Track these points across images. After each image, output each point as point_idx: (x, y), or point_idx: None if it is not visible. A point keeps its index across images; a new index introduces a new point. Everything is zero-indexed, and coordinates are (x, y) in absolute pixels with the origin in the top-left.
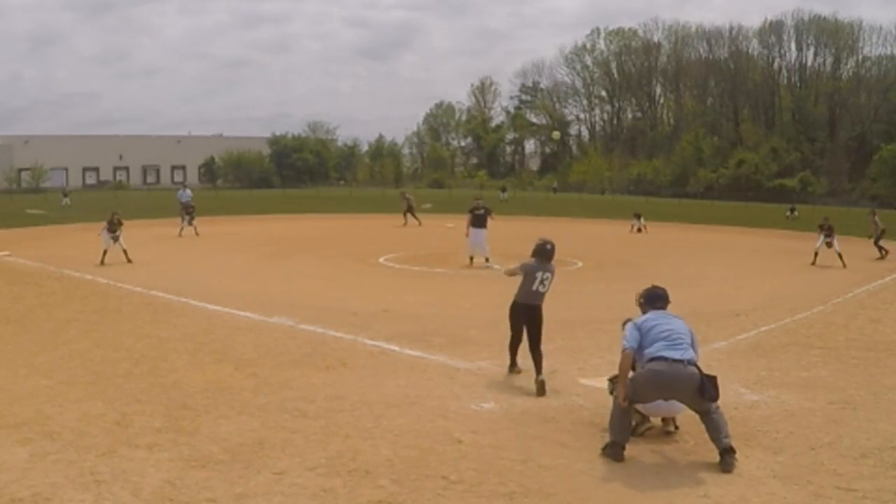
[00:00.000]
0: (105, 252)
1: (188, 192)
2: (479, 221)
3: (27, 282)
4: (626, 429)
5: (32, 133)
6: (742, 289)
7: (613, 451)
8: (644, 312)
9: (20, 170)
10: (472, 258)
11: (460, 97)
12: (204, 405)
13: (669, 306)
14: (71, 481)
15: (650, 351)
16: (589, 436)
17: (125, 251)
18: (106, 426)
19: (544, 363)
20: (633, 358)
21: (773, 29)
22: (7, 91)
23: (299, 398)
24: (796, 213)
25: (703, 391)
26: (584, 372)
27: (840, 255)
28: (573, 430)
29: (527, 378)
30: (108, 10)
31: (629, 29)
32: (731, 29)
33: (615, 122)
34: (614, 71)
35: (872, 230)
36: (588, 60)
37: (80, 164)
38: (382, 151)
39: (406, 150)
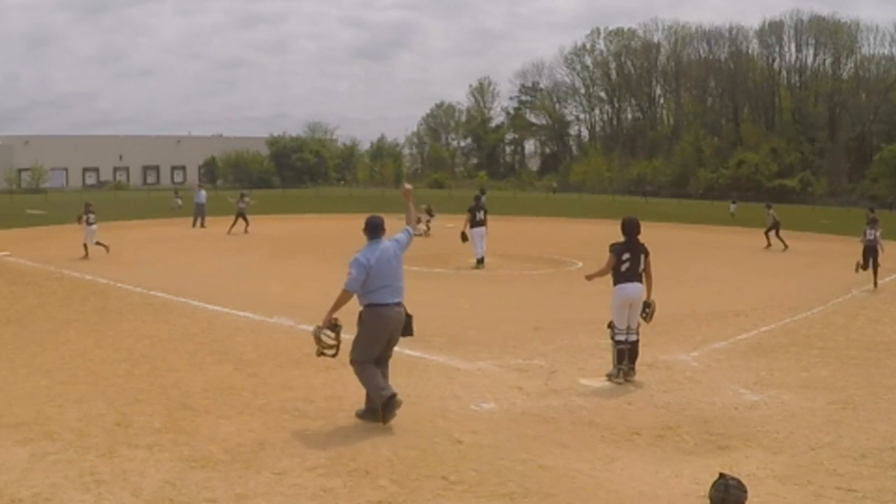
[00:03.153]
0: (86, 246)
1: (203, 193)
2: (479, 221)
3: (27, 282)
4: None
5: (31, 133)
6: (742, 289)
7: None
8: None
9: (20, 170)
10: (480, 258)
11: (459, 97)
12: (204, 405)
13: (670, 306)
14: (71, 481)
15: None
16: (589, 436)
17: (99, 242)
18: (106, 426)
19: (544, 363)
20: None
21: (773, 29)
22: (5, 91)
23: (299, 398)
24: (734, 207)
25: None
26: (585, 372)
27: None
28: (573, 430)
29: (527, 378)
30: (104, 10)
31: (629, 29)
32: (731, 29)
33: (615, 122)
34: (614, 71)
35: (768, 222)
36: (588, 60)
37: (80, 165)
38: (383, 152)
39: (406, 151)
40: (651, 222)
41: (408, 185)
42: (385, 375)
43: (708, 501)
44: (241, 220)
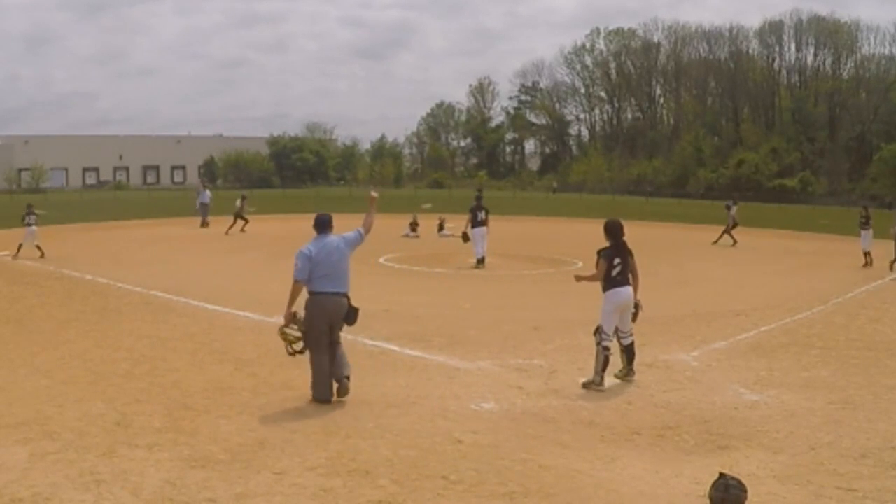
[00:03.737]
0: (21, 246)
1: (208, 192)
2: (480, 221)
3: (27, 282)
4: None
5: (30, 133)
6: (742, 289)
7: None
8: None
9: (20, 170)
10: (481, 258)
11: (458, 97)
12: (204, 405)
13: (671, 306)
14: (71, 481)
15: None
16: (589, 436)
17: (38, 246)
18: (106, 426)
19: (544, 363)
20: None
21: (773, 29)
22: (5, 91)
23: (299, 398)
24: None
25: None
26: (585, 372)
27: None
28: (573, 430)
29: (527, 378)
30: (103, 9)
31: (629, 29)
32: (731, 29)
33: (615, 122)
34: (614, 71)
35: (729, 221)
36: (588, 60)
37: (80, 164)
38: (383, 152)
39: (406, 150)
40: (651, 222)
41: (374, 193)
42: (338, 356)
43: (708, 501)
44: (239, 220)
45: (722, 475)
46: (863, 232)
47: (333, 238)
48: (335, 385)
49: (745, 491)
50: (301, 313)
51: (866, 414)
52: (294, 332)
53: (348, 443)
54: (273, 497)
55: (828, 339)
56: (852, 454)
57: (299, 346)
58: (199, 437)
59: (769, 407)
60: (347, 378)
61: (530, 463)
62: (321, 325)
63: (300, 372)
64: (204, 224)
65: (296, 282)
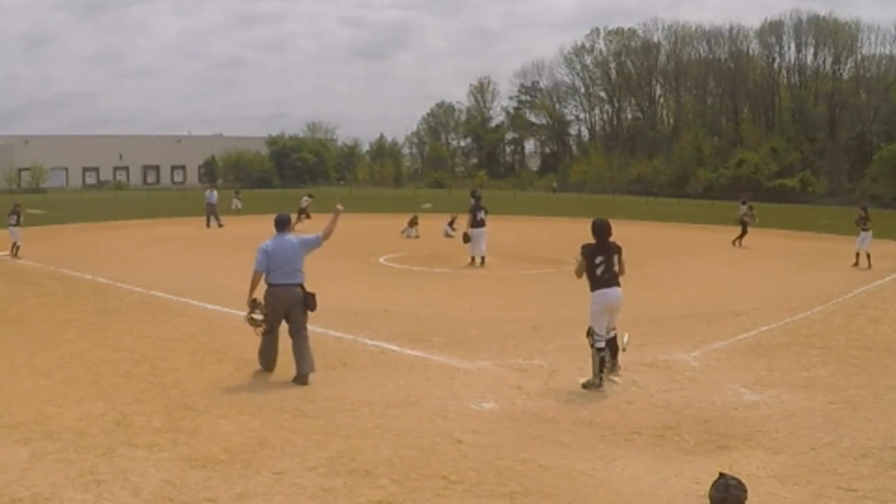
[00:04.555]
0: (15, 244)
1: (215, 193)
2: (479, 222)
3: (27, 282)
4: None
5: (30, 133)
6: (742, 289)
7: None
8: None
9: (20, 170)
10: (481, 258)
11: (458, 97)
12: (204, 405)
13: (671, 306)
14: (71, 481)
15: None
16: (589, 436)
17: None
18: (106, 426)
19: (544, 363)
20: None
21: (773, 29)
22: (4, 91)
23: (299, 398)
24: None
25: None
26: (584, 372)
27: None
28: (573, 430)
29: (527, 378)
30: (101, 9)
31: (628, 29)
32: (731, 29)
33: (615, 122)
34: (614, 71)
35: (748, 220)
36: (588, 60)
37: (80, 164)
38: (383, 151)
39: (406, 150)
40: (651, 222)
41: (339, 206)
42: (301, 345)
43: (708, 501)
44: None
45: (722, 475)
46: (862, 233)
47: (291, 237)
48: (294, 374)
49: (745, 491)
50: (261, 300)
51: (866, 414)
52: (258, 317)
53: (348, 443)
54: (273, 497)
55: (828, 339)
56: (852, 454)
57: (266, 328)
58: (199, 437)
59: (769, 407)
60: (308, 374)
61: (530, 463)
62: (278, 311)
63: None
64: (218, 225)
65: (255, 272)
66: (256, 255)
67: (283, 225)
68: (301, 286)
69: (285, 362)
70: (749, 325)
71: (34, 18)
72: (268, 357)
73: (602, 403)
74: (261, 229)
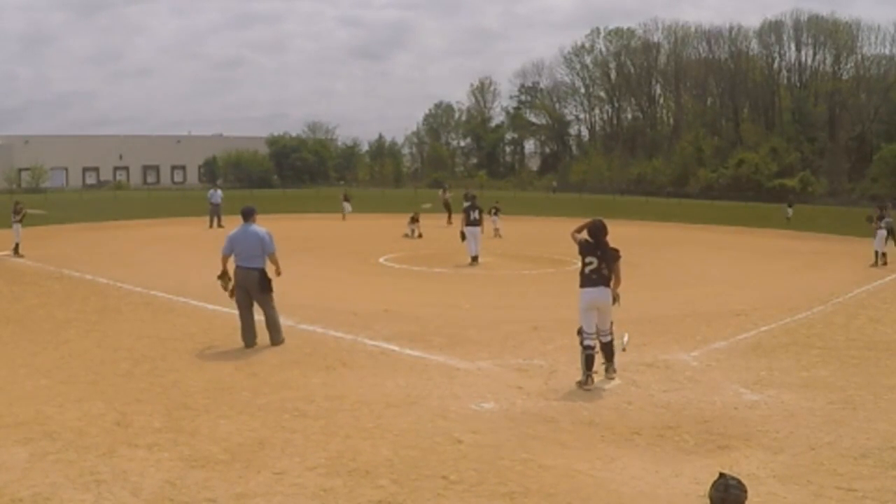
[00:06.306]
0: (18, 244)
1: (219, 193)
2: (474, 221)
3: (27, 282)
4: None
5: (29, 133)
6: (742, 289)
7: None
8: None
9: (20, 170)
10: (473, 257)
11: (457, 97)
12: (204, 405)
13: (671, 306)
14: (71, 481)
15: None
16: (589, 435)
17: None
18: (106, 426)
19: (544, 363)
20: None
21: (773, 29)
22: (2, 91)
23: (299, 398)
24: (790, 211)
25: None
26: None
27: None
28: (573, 430)
29: (527, 378)
30: (100, 9)
31: (628, 29)
32: (731, 29)
33: (615, 121)
34: (614, 71)
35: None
36: (587, 60)
37: (80, 164)
38: (383, 151)
39: (406, 150)
40: (651, 222)
41: (278, 274)
42: (269, 320)
43: (708, 501)
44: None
45: (722, 475)
46: (878, 232)
47: (255, 228)
48: (268, 341)
49: (745, 491)
50: (230, 274)
51: (866, 414)
52: (225, 283)
53: (348, 443)
54: (273, 497)
55: (828, 339)
56: (852, 454)
57: (228, 293)
58: (199, 437)
59: (769, 407)
60: (277, 341)
61: (530, 463)
62: (240, 289)
63: (300, 372)
64: (215, 225)
65: (222, 255)
66: (224, 241)
67: (248, 215)
68: (260, 270)
69: (285, 362)
70: (749, 325)
71: (32, 18)
72: (247, 335)
73: (602, 403)
74: None
